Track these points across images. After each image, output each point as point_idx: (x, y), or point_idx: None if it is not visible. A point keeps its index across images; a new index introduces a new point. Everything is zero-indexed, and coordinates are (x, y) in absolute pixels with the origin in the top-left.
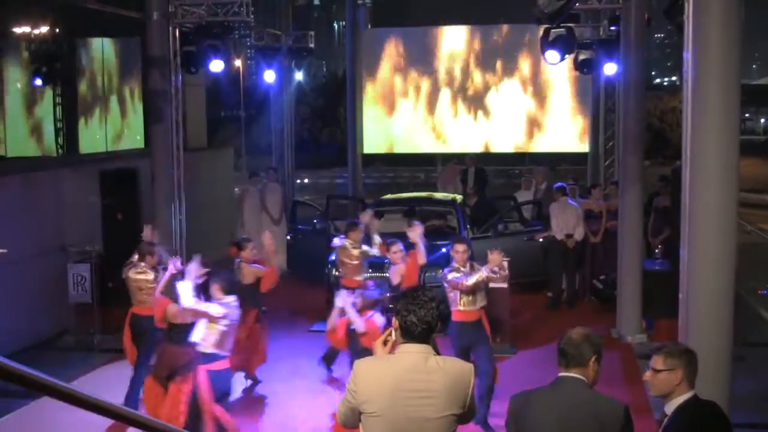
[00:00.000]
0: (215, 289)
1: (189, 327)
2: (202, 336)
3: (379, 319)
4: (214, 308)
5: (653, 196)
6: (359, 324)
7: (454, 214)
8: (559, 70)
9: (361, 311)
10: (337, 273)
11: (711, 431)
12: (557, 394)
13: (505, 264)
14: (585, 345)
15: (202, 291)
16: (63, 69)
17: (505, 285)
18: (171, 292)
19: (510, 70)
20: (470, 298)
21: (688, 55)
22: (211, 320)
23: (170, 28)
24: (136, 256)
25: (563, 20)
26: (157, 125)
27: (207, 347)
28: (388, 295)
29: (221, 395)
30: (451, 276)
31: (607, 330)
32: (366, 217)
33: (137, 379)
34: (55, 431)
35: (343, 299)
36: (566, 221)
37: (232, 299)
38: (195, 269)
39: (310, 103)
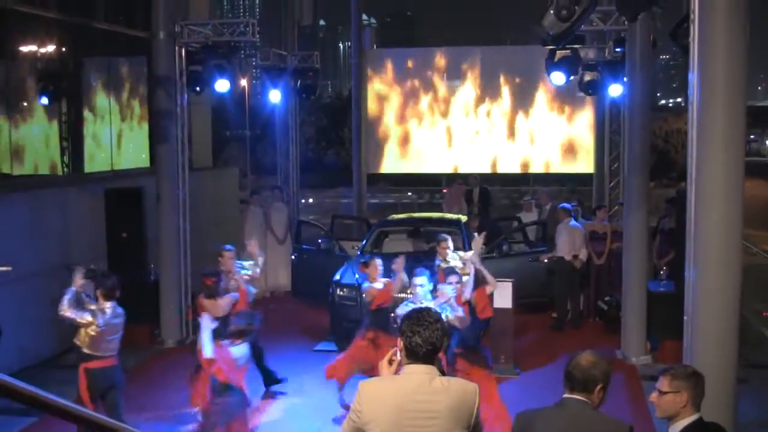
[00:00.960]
0: (97, 294)
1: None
2: (80, 338)
3: (238, 350)
4: (83, 316)
5: (662, 219)
6: (207, 351)
7: (459, 234)
8: (564, 91)
9: (231, 338)
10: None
11: None
12: (562, 414)
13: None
14: (593, 372)
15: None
16: (69, 88)
17: (509, 305)
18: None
19: (515, 91)
20: None
21: (693, 77)
22: (81, 326)
23: (176, 47)
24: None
25: (568, 42)
26: (162, 144)
27: (84, 348)
28: (255, 326)
29: (104, 390)
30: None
31: (611, 351)
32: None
33: None
34: None
35: (204, 323)
36: (573, 242)
37: (108, 305)
38: (77, 280)
39: (315, 123)
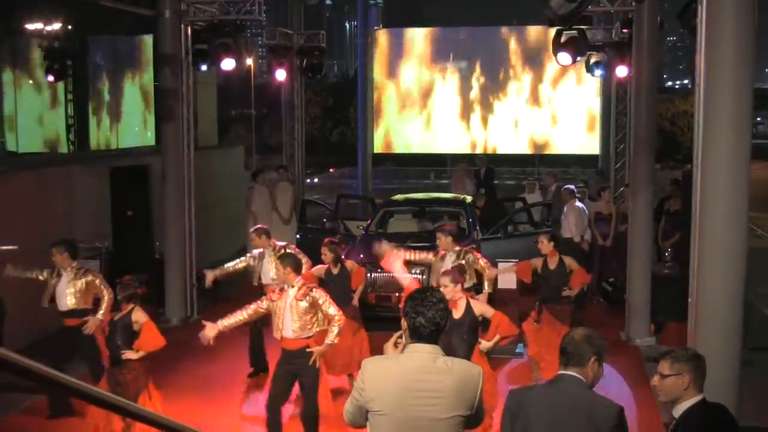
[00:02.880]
0: None
1: None
2: None
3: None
4: None
5: (664, 200)
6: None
7: (464, 215)
8: (570, 72)
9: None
10: None
11: None
12: (553, 392)
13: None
14: (585, 345)
15: None
16: (75, 66)
17: (513, 286)
18: None
19: (521, 71)
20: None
21: (700, 59)
22: None
23: (182, 26)
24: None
25: (575, 22)
26: (168, 123)
27: None
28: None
29: None
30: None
31: (615, 333)
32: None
33: None
34: (62, 425)
35: None
36: (578, 223)
37: None
38: None
39: (320, 103)
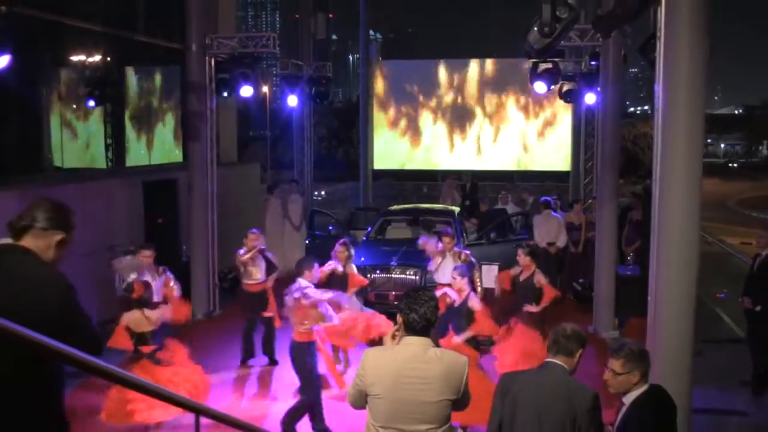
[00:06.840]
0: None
1: None
2: None
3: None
4: None
5: (626, 210)
6: None
7: (453, 224)
8: (545, 99)
9: None
10: None
11: (666, 414)
12: (540, 377)
13: None
14: (574, 340)
15: None
16: (113, 92)
17: (494, 285)
18: None
19: (502, 99)
20: None
21: (658, 87)
22: None
23: (207, 58)
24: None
25: (550, 55)
26: (194, 142)
27: None
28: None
29: None
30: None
31: (584, 326)
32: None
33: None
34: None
35: None
36: (548, 231)
37: None
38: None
39: (327, 125)
